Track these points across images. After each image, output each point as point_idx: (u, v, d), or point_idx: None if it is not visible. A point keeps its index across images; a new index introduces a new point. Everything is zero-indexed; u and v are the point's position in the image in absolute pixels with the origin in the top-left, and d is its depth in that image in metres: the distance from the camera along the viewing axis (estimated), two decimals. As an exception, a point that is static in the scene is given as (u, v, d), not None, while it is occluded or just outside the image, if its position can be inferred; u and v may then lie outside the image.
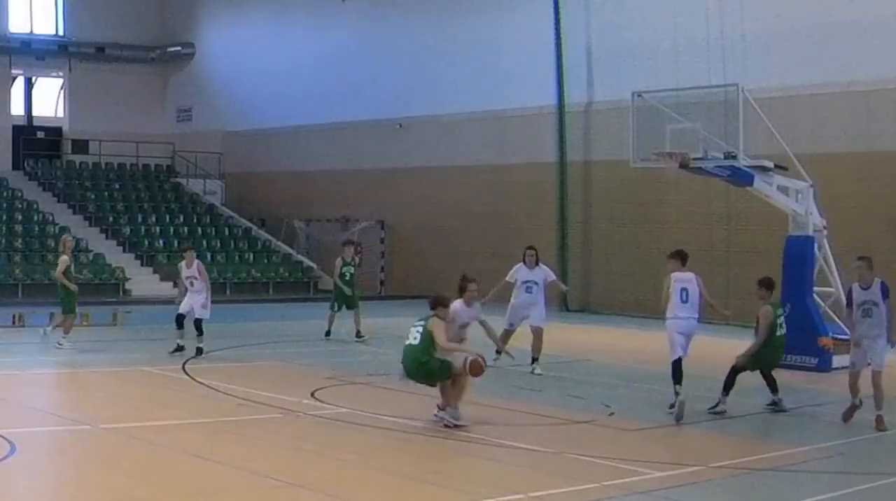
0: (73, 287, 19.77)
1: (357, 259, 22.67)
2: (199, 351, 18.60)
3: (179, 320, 18.92)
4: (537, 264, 18.01)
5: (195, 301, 18.82)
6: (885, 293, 12.97)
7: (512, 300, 18.03)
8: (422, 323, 12.86)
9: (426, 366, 12.75)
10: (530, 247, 18.17)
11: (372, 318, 26.41)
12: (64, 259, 19.89)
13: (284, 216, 38.37)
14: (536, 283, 17.84)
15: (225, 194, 40.87)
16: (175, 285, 20.20)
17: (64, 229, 35.13)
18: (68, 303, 19.77)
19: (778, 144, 19.57)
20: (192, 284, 18.96)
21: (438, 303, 12.99)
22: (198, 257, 20.34)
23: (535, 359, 17.67)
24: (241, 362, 18.51)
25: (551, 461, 11.30)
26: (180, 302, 19.28)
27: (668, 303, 14.20)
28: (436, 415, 12.84)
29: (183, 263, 19.33)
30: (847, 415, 13.36)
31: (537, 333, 17.81)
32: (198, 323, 18.74)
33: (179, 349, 18.68)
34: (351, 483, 10.26)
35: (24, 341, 21.38)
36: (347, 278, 21.83)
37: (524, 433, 12.90)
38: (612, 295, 29.62)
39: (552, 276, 18.32)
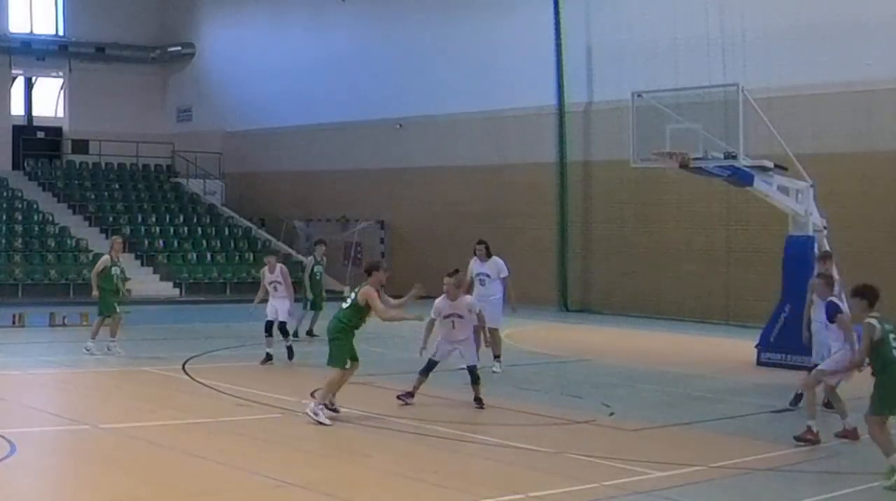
0: (95, 292, 18.86)
1: (325, 259, 22.50)
2: (290, 350, 18.41)
3: (269, 327, 18.38)
4: (489, 257, 17.66)
5: (281, 306, 18.44)
6: (829, 315, 12.25)
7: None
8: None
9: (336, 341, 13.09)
10: (480, 242, 17.84)
11: (372, 318, 26.42)
12: (104, 258, 19.26)
13: (284, 216, 38.36)
14: (489, 276, 17.54)
15: (225, 194, 40.86)
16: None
17: (64, 229, 35.19)
18: (102, 304, 18.91)
19: (778, 144, 19.57)
20: (276, 289, 18.51)
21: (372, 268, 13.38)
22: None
23: (496, 357, 17.39)
24: (241, 362, 18.50)
25: (551, 461, 11.30)
26: (255, 307, 18.88)
27: None
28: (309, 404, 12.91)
29: (265, 269, 18.86)
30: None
31: (493, 333, 17.19)
32: (282, 327, 18.44)
33: (269, 358, 18.15)
34: (351, 483, 10.26)
35: (24, 341, 21.39)
36: (318, 278, 21.79)
37: (524, 433, 12.90)
38: (612, 295, 29.64)
39: (505, 271, 17.59)
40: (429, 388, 15.77)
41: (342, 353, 13.07)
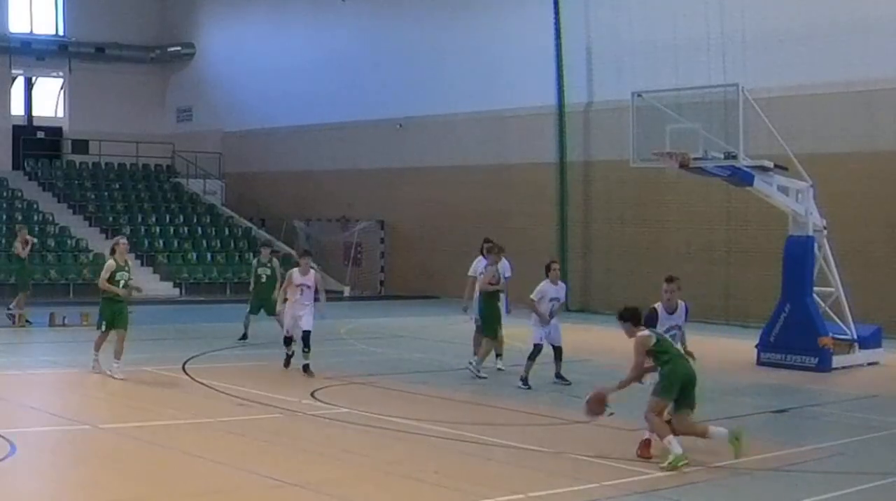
0: (119, 291, 16.31)
1: (276, 260, 21.47)
2: (307, 368, 16.54)
3: (288, 341, 16.85)
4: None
5: (304, 313, 16.57)
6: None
7: (477, 293, 17.71)
8: None
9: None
10: (487, 240, 17.98)
11: (372, 318, 26.44)
12: (109, 264, 16.51)
13: (284, 216, 38.37)
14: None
15: (225, 194, 40.86)
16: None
17: (64, 229, 35.19)
18: (107, 314, 16.43)
19: (778, 144, 19.56)
20: (302, 292, 16.57)
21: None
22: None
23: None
24: (241, 362, 18.50)
25: (551, 461, 11.29)
26: (281, 314, 17.17)
27: None
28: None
29: (296, 271, 16.71)
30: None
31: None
32: (306, 337, 16.56)
33: (290, 359, 16.86)
34: (351, 483, 10.25)
35: (24, 341, 21.39)
36: (264, 280, 20.83)
37: (524, 433, 12.90)
38: (612, 295, 29.53)
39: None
40: (429, 388, 15.81)
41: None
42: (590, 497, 9.85)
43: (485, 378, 16.65)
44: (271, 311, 19.90)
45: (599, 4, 29.80)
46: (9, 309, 23.54)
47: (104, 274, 16.37)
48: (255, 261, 21.67)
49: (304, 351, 16.57)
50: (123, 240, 16.95)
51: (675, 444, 10.70)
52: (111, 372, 16.06)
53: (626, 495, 9.92)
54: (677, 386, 11.02)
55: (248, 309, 21.28)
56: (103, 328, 16.41)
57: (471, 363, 16.97)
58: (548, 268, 16.38)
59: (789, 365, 18.54)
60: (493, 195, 32.45)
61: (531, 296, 16.04)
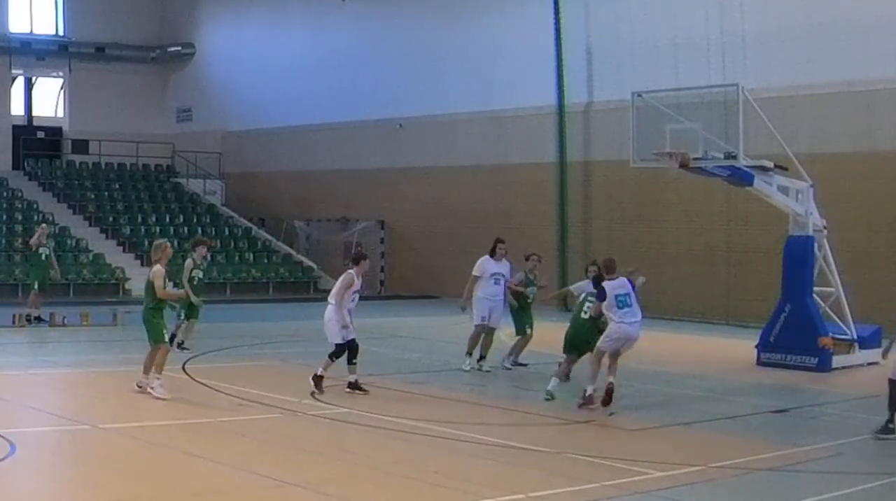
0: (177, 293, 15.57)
1: (205, 262, 20.16)
2: (357, 385, 15.00)
3: (342, 352, 14.85)
4: (504, 256, 17.82)
5: (350, 321, 14.93)
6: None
7: (480, 293, 17.61)
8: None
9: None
10: (502, 240, 17.89)
11: (372, 318, 26.43)
12: (160, 271, 14.44)
13: (284, 216, 38.37)
14: (503, 276, 17.69)
15: (225, 194, 40.87)
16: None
17: (64, 229, 35.17)
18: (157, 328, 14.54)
19: (778, 144, 19.57)
20: (353, 299, 14.90)
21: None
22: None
23: (482, 357, 17.60)
24: (241, 362, 18.50)
25: (551, 461, 11.30)
26: (345, 326, 14.72)
27: None
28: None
29: (353, 272, 14.82)
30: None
31: (490, 334, 17.76)
32: (356, 348, 14.97)
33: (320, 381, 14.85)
34: (351, 483, 10.25)
35: (24, 341, 21.39)
36: (196, 283, 19.29)
37: (524, 433, 12.90)
38: (612, 295, 29.61)
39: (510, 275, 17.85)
40: (429, 388, 15.81)
41: None
42: (590, 497, 9.85)
43: (510, 368, 17.60)
44: (192, 315, 19.18)
45: (599, 4, 29.81)
46: (32, 310, 23.58)
47: (160, 283, 14.33)
48: (189, 262, 19.32)
49: (351, 364, 14.86)
50: (167, 245, 14.96)
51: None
52: (152, 389, 14.31)
53: (626, 495, 9.92)
54: (568, 344, 14.82)
55: (180, 315, 19.18)
56: (166, 339, 14.73)
57: (506, 367, 17.58)
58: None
59: (789, 365, 18.55)
60: (493, 195, 32.45)
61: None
